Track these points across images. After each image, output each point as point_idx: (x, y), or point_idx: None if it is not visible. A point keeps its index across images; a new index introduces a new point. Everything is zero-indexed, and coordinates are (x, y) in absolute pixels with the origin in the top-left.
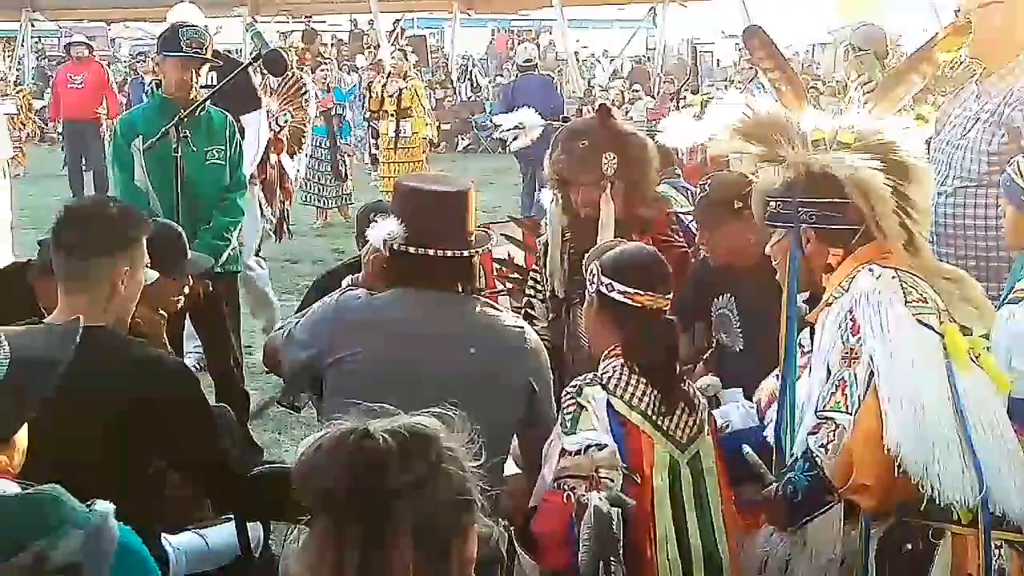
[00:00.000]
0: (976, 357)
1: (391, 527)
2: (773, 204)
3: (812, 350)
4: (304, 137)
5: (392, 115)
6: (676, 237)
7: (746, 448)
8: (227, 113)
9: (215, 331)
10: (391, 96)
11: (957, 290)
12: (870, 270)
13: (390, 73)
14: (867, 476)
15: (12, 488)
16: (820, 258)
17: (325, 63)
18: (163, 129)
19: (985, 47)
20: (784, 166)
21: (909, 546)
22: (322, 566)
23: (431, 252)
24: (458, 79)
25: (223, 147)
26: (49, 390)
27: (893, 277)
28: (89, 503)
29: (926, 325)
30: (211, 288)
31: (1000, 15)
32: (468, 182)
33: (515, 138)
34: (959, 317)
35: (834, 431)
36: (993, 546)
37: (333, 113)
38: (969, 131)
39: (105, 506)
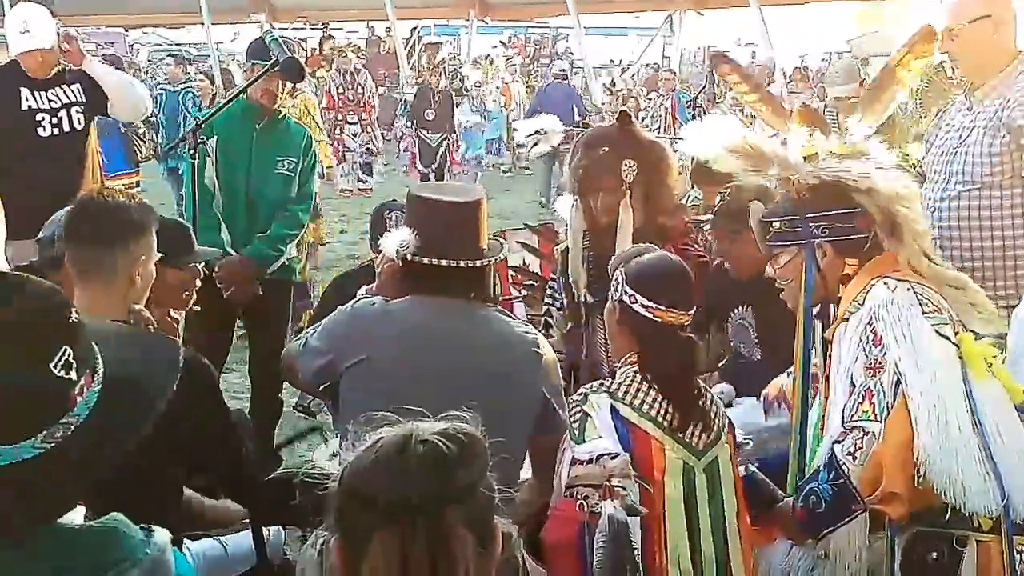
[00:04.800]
0: (989, 366)
1: (454, 528)
2: (778, 224)
3: (826, 371)
4: None
5: None
6: (695, 245)
7: (749, 467)
8: (306, 128)
9: (260, 337)
10: None
11: (964, 296)
12: (884, 283)
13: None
14: (897, 484)
15: (77, 517)
16: (837, 270)
17: None
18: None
19: (976, 61)
20: (784, 185)
21: (935, 555)
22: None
23: (444, 263)
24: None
25: (295, 159)
26: (146, 427)
27: (908, 289)
28: (146, 529)
29: (943, 336)
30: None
31: (989, 30)
32: (481, 190)
33: (535, 144)
34: (967, 323)
35: (862, 439)
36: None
37: None
38: (967, 138)
39: (163, 537)
